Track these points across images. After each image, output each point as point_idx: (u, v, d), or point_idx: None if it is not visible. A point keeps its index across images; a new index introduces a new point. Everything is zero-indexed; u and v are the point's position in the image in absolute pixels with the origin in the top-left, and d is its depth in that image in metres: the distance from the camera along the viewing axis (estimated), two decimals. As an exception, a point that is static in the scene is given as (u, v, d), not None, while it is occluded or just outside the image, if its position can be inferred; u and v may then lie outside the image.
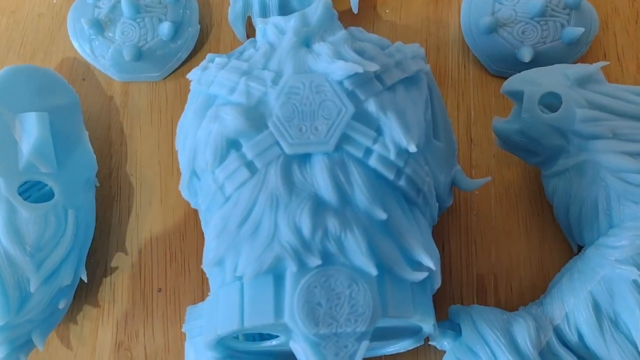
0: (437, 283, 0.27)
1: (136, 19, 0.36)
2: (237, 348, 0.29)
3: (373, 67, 0.26)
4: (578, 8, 0.35)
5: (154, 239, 0.34)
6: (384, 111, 0.26)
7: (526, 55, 0.35)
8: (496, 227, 0.34)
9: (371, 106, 0.26)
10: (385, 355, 0.31)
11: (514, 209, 0.34)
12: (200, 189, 0.28)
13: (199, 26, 0.37)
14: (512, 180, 0.35)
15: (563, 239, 0.33)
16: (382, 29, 0.38)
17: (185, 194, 0.29)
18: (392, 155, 0.26)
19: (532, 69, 0.32)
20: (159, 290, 0.33)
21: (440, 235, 0.34)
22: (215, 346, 0.26)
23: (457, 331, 0.29)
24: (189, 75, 0.29)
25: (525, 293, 0.33)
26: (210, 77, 0.28)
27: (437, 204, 0.29)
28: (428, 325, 0.26)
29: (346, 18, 0.38)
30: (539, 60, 0.35)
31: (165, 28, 0.36)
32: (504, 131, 0.32)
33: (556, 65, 0.32)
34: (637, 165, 0.29)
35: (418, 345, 0.29)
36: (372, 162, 0.26)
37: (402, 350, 0.30)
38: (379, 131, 0.26)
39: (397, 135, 0.26)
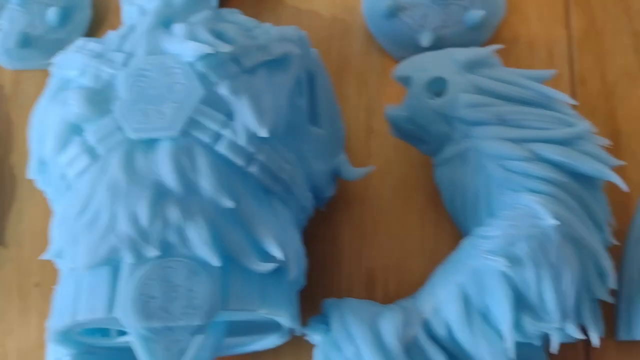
0: (295, 274, 0.26)
1: (24, 5, 0.35)
2: (94, 344, 0.27)
3: (226, 48, 0.25)
4: (484, -9, 0.34)
5: (34, 232, 0.33)
6: (236, 95, 0.25)
7: (425, 40, 0.33)
8: (391, 218, 0.33)
9: (223, 89, 0.25)
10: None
11: (411, 200, 0.33)
12: (48, 176, 0.26)
13: (91, 12, 0.36)
14: (409, 171, 0.34)
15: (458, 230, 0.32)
16: (285, 15, 0.37)
17: (38, 183, 0.28)
18: (242, 141, 0.24)
19: (423, 54, 0.31)
20: (37, 285, 0.32)
21: (333, 227, 0.33)
22: (61, 341, 0.25)
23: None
24: (53, 59, 0.28)
25: (417, 286, 0.31)
26: (67, 60, 0.27)
27: (308, 193, 0.28)
28: (283, 318, 0.25)
29: (248, 4, 0.36)
30: (442, 45, 0.33)
31: (52, 14, 0.35)
32: (395, 118, 0.31)
33: (448, 49, 0.30)
34: (519, 152, 0.28)
35: (284, 340, 0.28)
36: (221, 147, 0.24)
37: (271, 346, 0.29)
38: (229, 115, 0.25)
39: (248, 120, 0.25)
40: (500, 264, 0.26)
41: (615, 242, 0.29)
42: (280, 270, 0.25)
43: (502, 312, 0.26)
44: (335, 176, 0.30)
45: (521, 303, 0.26)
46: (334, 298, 0.29)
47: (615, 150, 0.34)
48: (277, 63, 0.26)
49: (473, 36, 0.34)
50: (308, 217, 0.29)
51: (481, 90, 0.29)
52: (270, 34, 0.27)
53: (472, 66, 0.29)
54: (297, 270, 0.26)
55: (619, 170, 0.33)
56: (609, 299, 0.28)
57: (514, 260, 0.26)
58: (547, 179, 0.27)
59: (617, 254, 0.30)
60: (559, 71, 0.35)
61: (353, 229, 0.33)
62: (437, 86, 0.29)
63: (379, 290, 0.32)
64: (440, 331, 0.27)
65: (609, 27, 0.36)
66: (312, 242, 0.32)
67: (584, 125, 0.28)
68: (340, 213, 0.33)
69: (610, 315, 0.30)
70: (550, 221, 0.26)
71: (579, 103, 0.29)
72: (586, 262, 0.27)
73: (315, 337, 0.28)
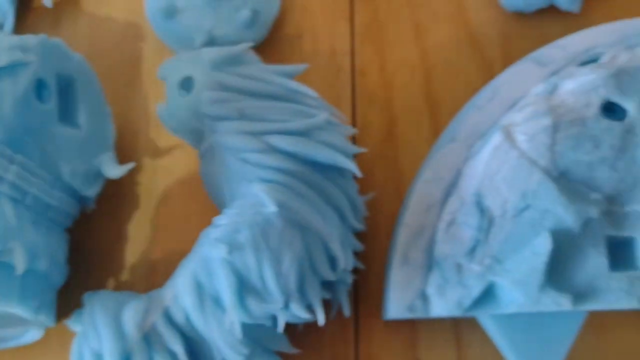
0: (22, 268, 0.27)
1: None
2: None
3: None
4: (256, -10, 0.35)
5: None
6: (-49, 103, 0.26)
7: (198, 40, 0.35)
8: (176, 211, 0.35)
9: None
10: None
11: (195, 193, 0.35)
12: None
13: None
14: (194, 165, 0.35)
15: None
16: (83, 22, 0.38)
17: None
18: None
19: (180, 54, 0.32)
20: None
21: (120, 222, 0.34)
22: None
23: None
24: None
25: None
26: None
27: (57, 193, 0.30)
28: (18, 309, 0.27)
29: (48, 14, 0.38)
30: (216, 44, 0.35)
31: None
32: (162, 116, 0.32)
33: (202, 49, 0.32)
34: (255, 144, 0.29)
35: (41, 334, 0.30)
36: None
37: (33, 340, 0.30)
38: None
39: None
40: (222, 250, 0.27)
41: (362, 227, 0.31)
42: (9, 265, 0.27)
43: (224, 296, 0.27)
44: (102, 175, 0.32)
45: (245, 287, 0.28)
46: (92, 291, 0.30)
47: (391, 137, 0.35)
48: (4, 71, 0.28)
49: (247, 34, 0.35)
50: (69, 216, 0.31)
51: (224, 87, 0.30)
52: (2, 43, 0.28)
53: (220, 64, 0.31)
54: (24, 264, 0.27)
55: (394, 156, 0.35)
56: (348, 280, 0.30)
57: (236, 247, 0.27)
58: (279, 169, 0.29)
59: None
60: (341, 64, 0.36)
61: (139, 222, 0.34)
62: (189, 85, 0.31)
63: (159, 280, 0.33)
64: (179, 317, 0.28)
65: (390, 19, 0.37)
66: (97, 238, 0.34)
67: (323, 116, 0.30)
68: (127, 208, 0.35)
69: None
70: (272, 208, 0.28)
71: (318, 95, 0.30)
72: (314, 246, 0.28)
73: (76, 328, 0.30)
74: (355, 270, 0.33)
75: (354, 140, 0.35)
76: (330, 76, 0.36)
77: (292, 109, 0.30)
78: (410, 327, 0.32)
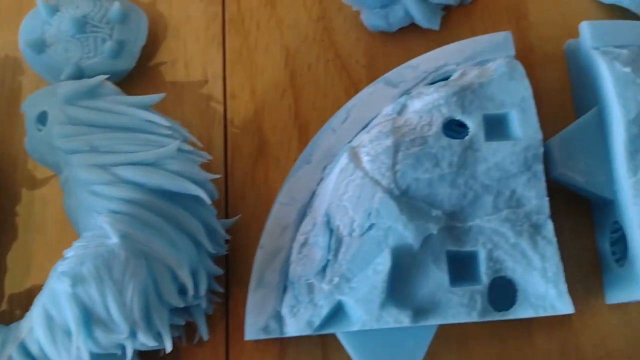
0: None
1: None
2: None
3: None
4: (123, 21, 0.36)
5: None
6: None
7: (66, 72, 0.35)
8: (54, 241, 0.35)
9: None
10: None
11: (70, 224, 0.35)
12: None
13: None
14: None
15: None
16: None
17: None
18: None
19: (41, 89, 0.33)
20: None
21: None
22: None
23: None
24: None
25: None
26: None
27: None
28: None
29: None
30: (84, 76, 0.36)
31: None
32: (26, 150, 0.33)
33: (58, 84, 0.33)
34: (103, 176, 0.30)
35: None
36: None
37: None
38: None
39: None
40: (66, 284, 0.28)
41: (221, 251, 0.32)
42: None
43: (71, 327, 0.28)
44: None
45: (91, 318, 0.28)
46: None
47: (262, 159, 0.36)
48: None
49: (115, 64, 0.36)
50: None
51: (75, 121, 0.31)
52: None
53: (73, 98, 0.31)
54: None
55: (264, 178, 0.36)
56: (203, 305, 0.31)
57: (79, 279, 0.28)
58: (126, 200, 0.29)
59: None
60: (213, 89, 0.37)
61: (17, 252, 0.35)
62: (45, 119, 0.32)
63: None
64: (34, 349, 0.29)
65: (261, 43, 0.38)
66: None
67: (174, 145, 0.31)
68: (4, 238, 0.35)
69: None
70: (114, 239, 0.28)
71: (175, 123, 0.31)
72: (160, 275, 0.29)
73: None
74: (225, 294, 0.34)
75: (225, 164, 0.36)
76: (203, 101, 0.37)
77: (143, 139, 0.31)
78: (279, 345, 0.33)
